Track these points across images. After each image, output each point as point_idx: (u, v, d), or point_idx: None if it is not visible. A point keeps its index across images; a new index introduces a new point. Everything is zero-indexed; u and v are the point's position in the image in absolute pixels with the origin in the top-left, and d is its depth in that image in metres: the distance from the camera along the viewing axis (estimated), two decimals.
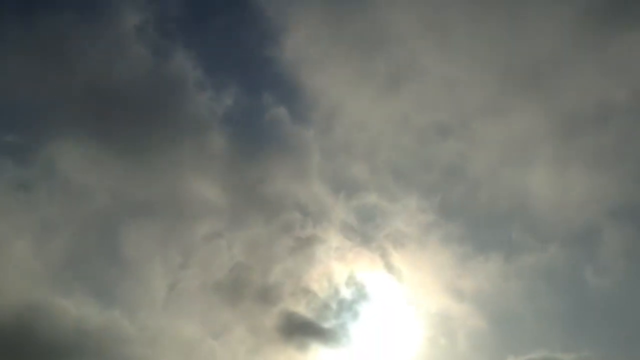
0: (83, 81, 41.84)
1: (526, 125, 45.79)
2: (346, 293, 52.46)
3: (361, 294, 52.48)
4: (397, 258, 55.77)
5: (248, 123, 50.82)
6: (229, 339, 50.13)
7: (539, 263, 49.66)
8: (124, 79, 42.55)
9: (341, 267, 53.34)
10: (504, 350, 50.82)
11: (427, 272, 54.79)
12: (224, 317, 52.41)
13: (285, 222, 59.17)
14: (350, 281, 53.82)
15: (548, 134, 50.21)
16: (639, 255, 46.71)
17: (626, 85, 40.76)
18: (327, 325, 49.35)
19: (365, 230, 61.62)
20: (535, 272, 50.08)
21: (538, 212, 51.67)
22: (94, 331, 46.37)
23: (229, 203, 59.73)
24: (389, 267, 56.70)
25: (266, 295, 53.42)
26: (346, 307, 53.26)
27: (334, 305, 51.33)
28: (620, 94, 41.09)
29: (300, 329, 49.50)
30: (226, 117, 44.59)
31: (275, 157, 60.98)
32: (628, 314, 42.47)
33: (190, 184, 56.41)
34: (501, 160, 52.22)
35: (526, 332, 47.89)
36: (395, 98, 52.36)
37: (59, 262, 53.39)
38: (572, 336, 45.46)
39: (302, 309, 50.94)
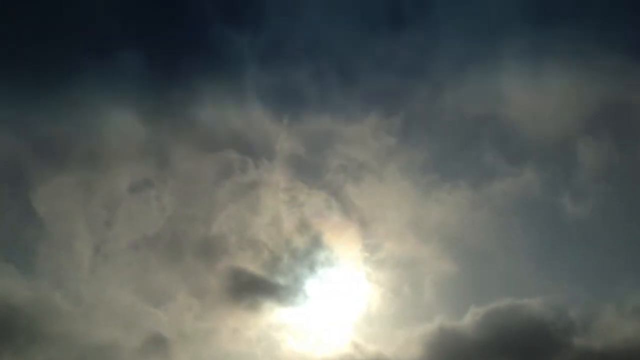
0: None
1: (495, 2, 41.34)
2: (299, 242, 47.70)
3: (315, 242, 47.77)
4: (354, 194, 50.78)
5: (164, 27, 44.23)
6: (172, 306, 45.08)
7: (511, 189, 45.27)
8: None
9: (291, 212, 48.38)
10: (470, 297, 46.88)
11: (388, 208, 50.12)
12: (162, 279, 47.19)
13: (222, 163, 53.29)
14: (303, 227, 49.02)
15: (522, 15, 44.98)
16: (618, 175, 42.69)
17: None
18: (279, 281, 44.74)
19: (315, 164, 56.10)
20: (507, 200, 45.83)
21: (510, 122, 46.90)
22: (22, 306, 40.89)
23: (153, 140, 53.27)
24: (345, 206, 51.86)
25: (208, 252, 48.34)
26: (300, 258, 48.51)
27: (285, 257, 46.61)
28: None
29: (250, 287, 44.81)
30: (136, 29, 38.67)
31: (203, 74, 54.43)
32: (605, 244, 38.70)
33: (103, 115, 49.77)
34: (468, 55, 46.92)
35: (494, 275, 43.92)
36: None
37: None
38: (543, 276, 41.56)
39: (249, 265, 46.07)
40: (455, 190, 50.69)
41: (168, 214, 50.13)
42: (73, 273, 45.21)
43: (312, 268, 45.96)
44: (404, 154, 55.69)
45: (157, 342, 42.29)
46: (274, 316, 42.64)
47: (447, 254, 45.97)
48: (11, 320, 38.71)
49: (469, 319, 32.89)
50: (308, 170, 56.08)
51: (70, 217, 48.28)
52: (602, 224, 42.49)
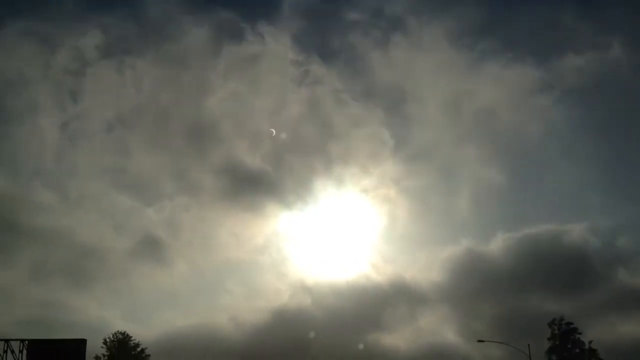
0: None
1: None
2: (308, 131, 40.57)
3: (329, 132, 40.95)
4: (381, 64, 41.18)
5: None
6: (166, 205, 40.54)
7: (589, 67, 32.40)
8: None
9: (299, 92, 41.03)
10: (508, 219, 37.04)
11: (424, 84, 40.16)
12: (151, 173, 42.31)
13: (215, 27, 43.84)
14: (314, 113, 41.83)
15: None
16: None
17: None
18: (284, 179, 39.39)
19: (333, 23, 43.53)
20: (582, 81, 33.52)
21: None
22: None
23: None
24: (368, 82, 42.35)
25: (200, 140, 42.22)
26: (310, 152, 42.25)
27: (291, 150, 40.55)
28: None
29: (250, 185, 39.82)
30: None
31: None
32: None
33: None
34: None
35: (541, 190, 35.12)
36: None
37: None
38: (598, 193, 32.36)
39: (250, 158, 40.51)
40: (516, 63, 38.43)
41: (149, 90, 42.45)
42: (45, 160, 40.06)
43: (325, 165, 39.97)
44: (454, 6, 41.90)
45: (151, 245, 38.76)
46: (280, 222, 38.30)
47: (492, 156, 37.85)
48: None
49: (501, 244, 29.32)
50: (323, 33, 45.45)
51: (29, 83, 41.31)
52: None
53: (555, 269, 26.49)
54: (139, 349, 23.69)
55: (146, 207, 35.91)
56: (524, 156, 34.81)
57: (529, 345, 20.78)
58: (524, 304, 26.68)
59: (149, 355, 24.01)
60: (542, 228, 27.34)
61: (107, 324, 23.98)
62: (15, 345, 14.33)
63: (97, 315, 31.92)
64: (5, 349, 14.07)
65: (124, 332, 23.62)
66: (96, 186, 38.10)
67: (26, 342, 14.39)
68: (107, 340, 23.15)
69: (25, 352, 14.29)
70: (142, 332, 33.03)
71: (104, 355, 23.10)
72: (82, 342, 15.01)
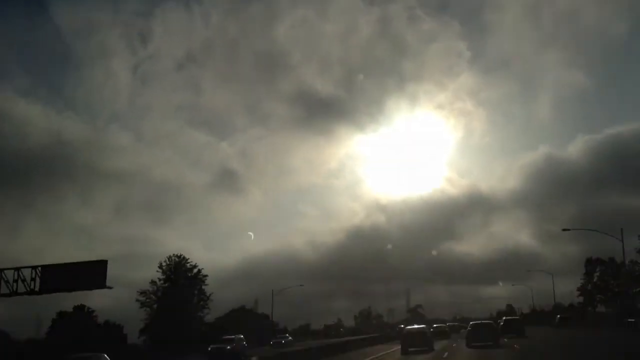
0: None
1: None
2: (380, 51, 37.19)
3: (401, 50, 37.34)
4: None
5: None
6: (239, 138, 38.95)
7: None
8: None
9: (370, 12, 37.58)
10: (589, 120, 34.08)
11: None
12: (222, 107, 40.61)
13: None
14: (385, 31, 38.26)
15: None
16: None
17: None
18: (357, 102, 36.43)
19: None
20: None
21: None
22: (77, 141, 37.43)
23: None
24: None
25: (270, 69, 40.00)
26: (381, 73, 38.80)
27: (363, 73, 37.55)
28: None
29: (322, 110, 37.64)
30: None
31: None
32: None
33: None
34: None
35: (628, 92, 31.62)
36: None
37: None
38: None
39: (321, 83, 38.02)
40: None
41: (214, 26, 40.19)
42: (119, 103, 39.70)
43: (398, 84, 36.79)
44: None
45: (227, 177, 37.79)
46: (353, 145, 35.88)
47: (575, 58, 33.30)
48: (67, 157, 35.23)
49: (580, 146, 25.92)
50: None
51: (97, 27, 40.47)
52: None
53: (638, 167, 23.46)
54: (195, 271, 23.13)
55: (220, 141, 35.22)
56: (609, 55, 30.78)
57: (621, 229, 18.43)
58: (603, 203, 23.97)
59: (206, 276, 23.50)
60: (625, 127, 23.63)
61: (189, 255, 23.72)
62: (27, 273, 13.57)
63: (178, 246, 32.11)
64: (16, 277, 13.32)
65: (180, 255, 23.18)
66: (170, 125, 37.81)
67: (39, 268, 13.61)
68: (163, 263, 22.75)
69: (38, 280, 13.58)
70: (222, 260, 32.74)
71: (159, 279, 22.72)
72: (101, 263, 13.95)
